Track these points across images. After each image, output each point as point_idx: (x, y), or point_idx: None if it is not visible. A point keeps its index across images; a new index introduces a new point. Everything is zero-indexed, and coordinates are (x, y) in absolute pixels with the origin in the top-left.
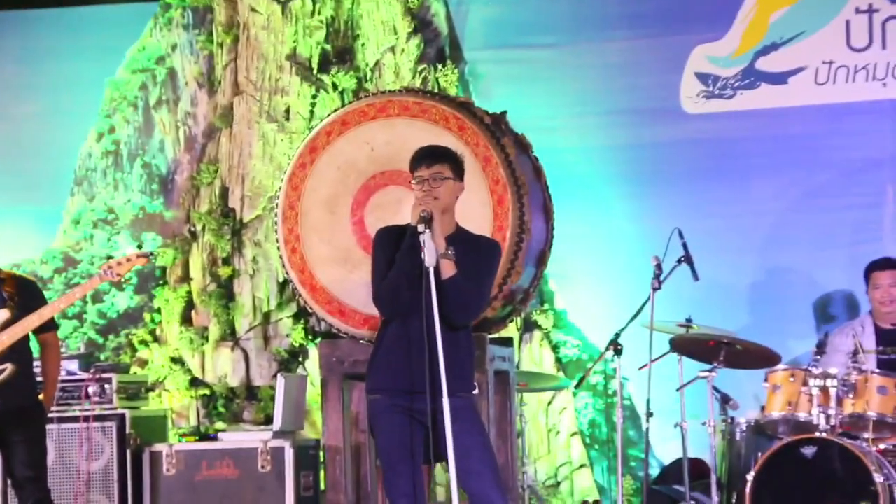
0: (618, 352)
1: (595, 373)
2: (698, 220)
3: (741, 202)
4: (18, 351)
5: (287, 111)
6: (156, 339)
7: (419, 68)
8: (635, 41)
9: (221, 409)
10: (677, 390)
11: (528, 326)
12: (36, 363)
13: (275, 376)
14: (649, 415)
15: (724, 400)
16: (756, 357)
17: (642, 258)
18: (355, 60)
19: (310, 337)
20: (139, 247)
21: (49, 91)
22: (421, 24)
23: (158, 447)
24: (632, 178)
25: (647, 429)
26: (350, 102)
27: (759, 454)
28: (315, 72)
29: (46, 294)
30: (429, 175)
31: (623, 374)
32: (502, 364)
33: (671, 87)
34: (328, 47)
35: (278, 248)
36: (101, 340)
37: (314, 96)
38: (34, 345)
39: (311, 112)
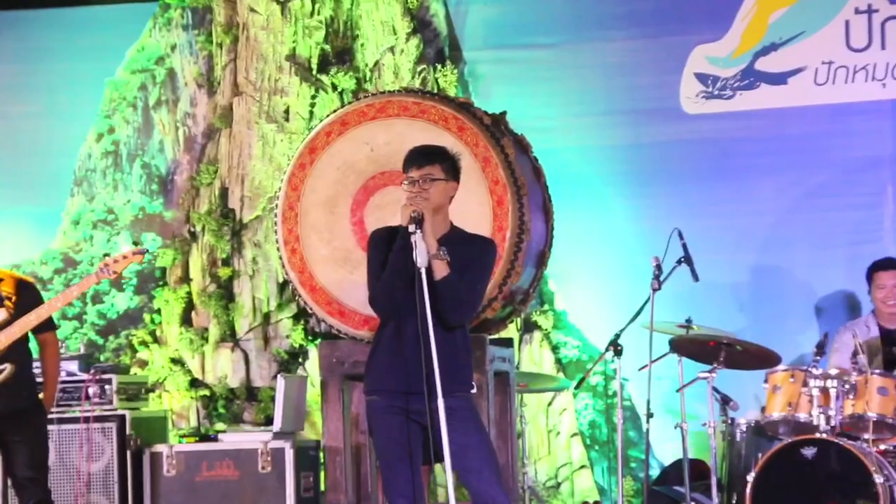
0: (618, 352)
1: (595, 373)
2: (698, 220)
3: (741, 202)
4: (17, 351)
5: (286, 111)
6: (156, 340)
7: (418, 68)
8: (635, 41)
9: (221, 410)
10: (677, 391)
11: (528, 327)
12: (36, 363)
13: (275, 377)
14: (649, 416)
15: (725, 401)
16: (756, 358)
17: (642, 258)
18: (354, 61)
19: (310, 338)
20: (135, 244)
21: (48, 91)
22: (420, 24)
23: (159, 448)
24: (631, 178)
25: (648, 430)
26: (349, 103)
27: (760, 455)
28: (314, 72)
29: (45, 295)
30: (419, 176)
31: (623, 374)
32: (502, 365)
33: (670, 87)
34: (327, 48)
35: (278, 249)
36: (101, 341)
37: (313, 97)
38: (34, 345)
39: (311, 112)
